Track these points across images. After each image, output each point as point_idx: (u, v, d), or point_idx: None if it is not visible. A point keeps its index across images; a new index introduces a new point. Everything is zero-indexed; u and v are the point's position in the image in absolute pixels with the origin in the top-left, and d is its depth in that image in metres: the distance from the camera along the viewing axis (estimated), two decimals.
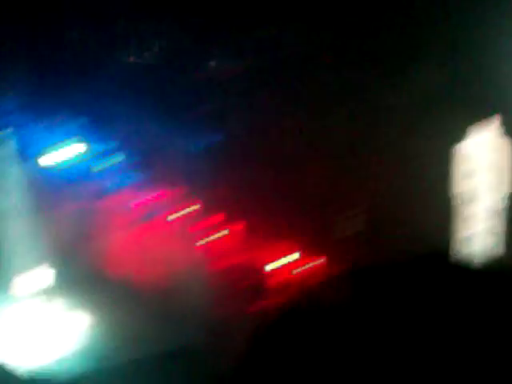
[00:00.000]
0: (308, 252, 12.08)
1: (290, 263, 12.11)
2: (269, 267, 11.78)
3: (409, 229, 10.41)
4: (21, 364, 10.94)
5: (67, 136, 12.23)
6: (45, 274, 12.81)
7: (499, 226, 11.36)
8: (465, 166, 11.39)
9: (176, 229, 12.14)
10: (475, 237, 11.27)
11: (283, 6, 11.39)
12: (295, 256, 12.11)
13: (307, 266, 11.85)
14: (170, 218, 12.17)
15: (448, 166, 11.27)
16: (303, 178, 11.86)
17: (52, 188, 12.83)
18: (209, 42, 11.81)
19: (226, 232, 12.44)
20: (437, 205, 10.79)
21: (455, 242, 11.18)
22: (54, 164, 12.47)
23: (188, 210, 12.39)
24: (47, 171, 12.66)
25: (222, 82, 11.82)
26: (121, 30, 12.18)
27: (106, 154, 12.33)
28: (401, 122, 10.80)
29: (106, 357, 11.35)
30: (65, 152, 12.39)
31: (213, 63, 11.97)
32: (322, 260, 11.84)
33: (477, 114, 11.30)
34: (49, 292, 12.79)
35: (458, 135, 11.29)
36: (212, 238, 12.23)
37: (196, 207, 12.44)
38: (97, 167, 12.35)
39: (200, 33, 11.65)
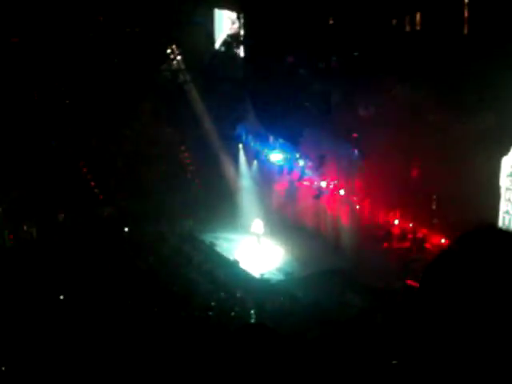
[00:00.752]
0: (407, 217, 19.96)
1: (396, 225, 20.29)
2: (390, 226, 20.13)
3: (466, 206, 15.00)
4: (253, 271, 20.24)
5: (280, 147, 22.68)
6: (263, 223, 22.27)
7: None
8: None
9: (338, 200, 21.52)
10: None
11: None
12: (397, 221, 20.28)
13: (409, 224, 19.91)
14: (334, 195, 21.54)
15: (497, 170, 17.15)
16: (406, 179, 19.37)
17: (271, 174, 23.43)
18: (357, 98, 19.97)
19: (358, 206, 21.09)
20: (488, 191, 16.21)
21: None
22: (272, 161, 23.06)
23: (341, 191, 21.37)
24: (270, 165, 23.33)
25: (364, 120, 19.97)
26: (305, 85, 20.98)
27: (299, 159, 22.30)
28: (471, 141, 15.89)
29: (295, 271, 20.29)
30: (278, 156, 22.84)
31: (359, 110, 20.10)
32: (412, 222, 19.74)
33: None
34: (264, 233, 22.25)
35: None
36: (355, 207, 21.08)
37: (344, 191, 21.31)
38: (294, 165, 22.47)
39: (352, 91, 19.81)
